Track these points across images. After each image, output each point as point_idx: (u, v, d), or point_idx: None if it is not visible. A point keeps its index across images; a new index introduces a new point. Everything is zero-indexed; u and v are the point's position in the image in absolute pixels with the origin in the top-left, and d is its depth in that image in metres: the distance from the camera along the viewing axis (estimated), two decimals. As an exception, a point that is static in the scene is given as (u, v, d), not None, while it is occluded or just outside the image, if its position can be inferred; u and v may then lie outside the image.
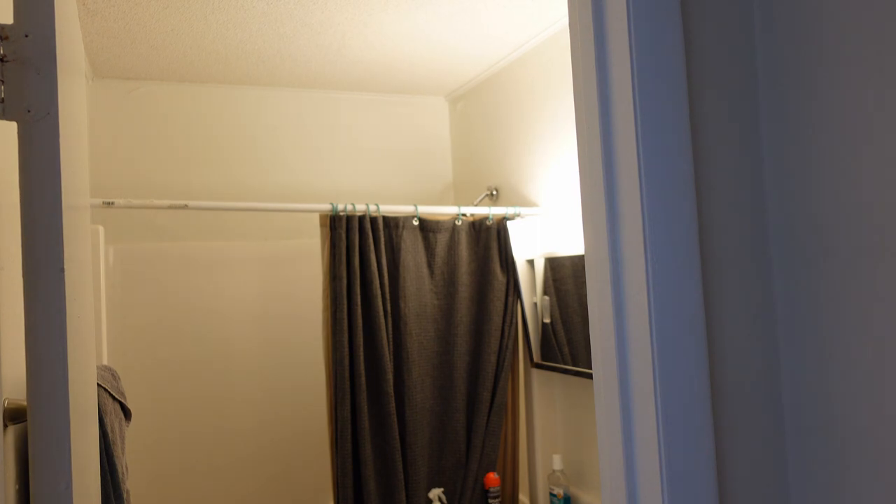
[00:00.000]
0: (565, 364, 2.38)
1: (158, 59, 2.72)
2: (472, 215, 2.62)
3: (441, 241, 2.58)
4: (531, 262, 2.58)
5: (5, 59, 0.81)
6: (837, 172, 0.84)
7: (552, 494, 2.38)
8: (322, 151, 3.25)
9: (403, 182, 3.39)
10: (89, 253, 1.30)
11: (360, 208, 2.44)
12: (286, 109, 3.20)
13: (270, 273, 3.07)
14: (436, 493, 2.50)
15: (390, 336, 2.48)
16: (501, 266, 2.61)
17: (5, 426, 0.84)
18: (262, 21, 2.37)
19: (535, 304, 2.56)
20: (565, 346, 2.38)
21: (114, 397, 1.71)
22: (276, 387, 3.05)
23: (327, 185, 3.24)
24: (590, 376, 2.24)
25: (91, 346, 1.24)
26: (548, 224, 2.55)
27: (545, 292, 2.48)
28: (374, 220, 2.46)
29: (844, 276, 0.84)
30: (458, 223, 2.59)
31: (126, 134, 2.94)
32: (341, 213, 2.40)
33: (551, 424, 2.59)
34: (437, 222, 2.58)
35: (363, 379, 2.38)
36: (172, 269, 2.92)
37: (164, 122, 3.00)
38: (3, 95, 0.80)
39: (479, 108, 3.18)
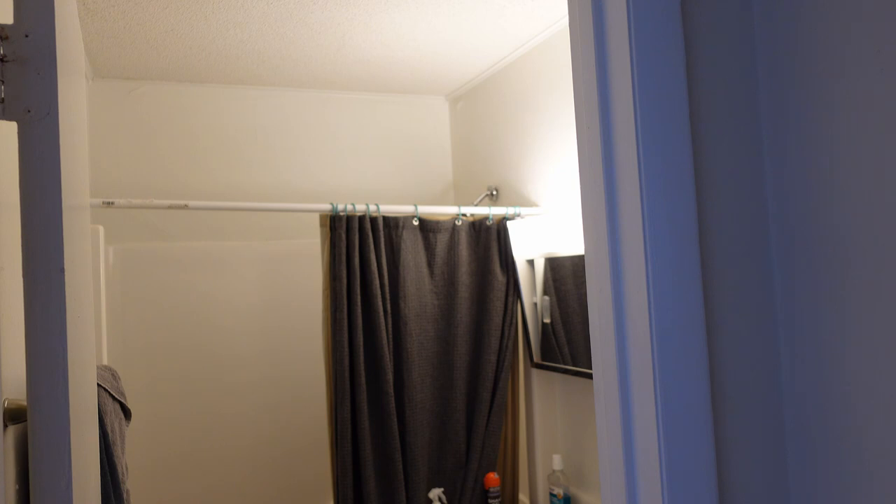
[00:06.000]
0: (565, 364, 2.38)
1: (158, 59, 2.72)
2: (472, 215, 2.62)
3: (441, 241, 2.58)
4: (531, 262, 2.58)
5: (5, 59, 0.81)
6: (838, 171, 0.84)
7: (552, 494, 2.38)
8: (322, 151, 3.25)
9: (403, 182, 3.39)
10: (89, 253, 1.30)
11: (360, 208, 2.43)
12: (286, 109, 3.20)
13: (270, 273, 3.07)
14: (436, 493, 2.50)
15: (390, 336, 2.48)
16: (501, 266, 2.61)
17: (5, 426, 0.84)
18: (262, 21, 2.37)
19: (535, 304, 2.56)
20: (565, 346, 2.38)
21: (114, 397, 1.71)
22: (275, 387, 3.05)
23: (327, 185, 3.24)
24: (590, 376, 2.24)
25: (91, 346, 1.24)
26: (548, 224, 2.55)
27: (545, 292, 2.48)
28: (374, 220, 2.46)
29: (845, 275, 0.84)
30: (458, 223, 2.59)
31: (126, 134, 2.94)
32: (341, 214, 2.40)
33: (551, 424, 2.59)
34: (437, 222, 2.58)
35: (363, 379, 2.38)
36: (172, 269, 2.92)
37: (164, 122, 3.00)
38: (3, 95, 0.80)
39: (480, 107, 3.18)
